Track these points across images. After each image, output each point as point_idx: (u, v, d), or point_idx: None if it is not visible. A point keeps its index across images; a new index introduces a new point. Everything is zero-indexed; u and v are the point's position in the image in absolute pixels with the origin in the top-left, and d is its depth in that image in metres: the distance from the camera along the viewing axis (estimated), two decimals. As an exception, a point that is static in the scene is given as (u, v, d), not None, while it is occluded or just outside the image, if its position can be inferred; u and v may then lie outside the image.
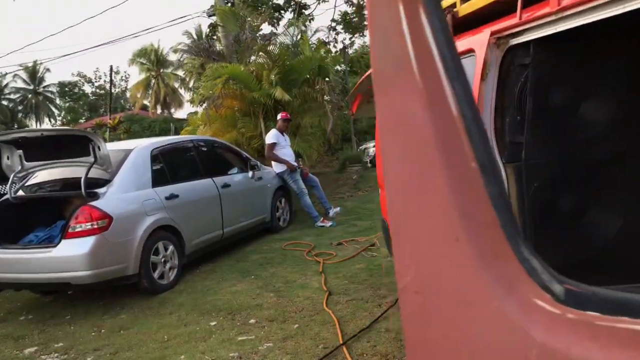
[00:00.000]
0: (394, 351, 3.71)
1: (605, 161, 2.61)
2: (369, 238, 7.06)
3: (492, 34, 2.57)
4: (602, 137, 2.60)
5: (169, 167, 6.32)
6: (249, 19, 12.40)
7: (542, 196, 2.58)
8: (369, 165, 13.20)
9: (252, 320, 4.60)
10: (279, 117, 8.70)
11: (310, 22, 17.90)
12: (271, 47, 11.42)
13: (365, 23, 20.39)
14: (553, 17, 2.23)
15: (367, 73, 4.97)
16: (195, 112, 16.89)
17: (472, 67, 2.68)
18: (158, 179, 5.95)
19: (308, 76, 10.78)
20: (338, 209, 8.92)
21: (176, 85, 39.68)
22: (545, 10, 2.27)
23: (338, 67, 14.08)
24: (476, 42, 2.67)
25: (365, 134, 17.10)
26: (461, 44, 2.89)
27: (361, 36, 21.01)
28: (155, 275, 5.62)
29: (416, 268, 0.68)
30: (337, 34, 20.07)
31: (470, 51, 2.73)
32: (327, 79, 10.85)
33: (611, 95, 2.59)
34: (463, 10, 2.99)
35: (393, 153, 0.73)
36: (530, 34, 2.42)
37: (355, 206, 9.57)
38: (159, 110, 39.04)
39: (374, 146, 14.57)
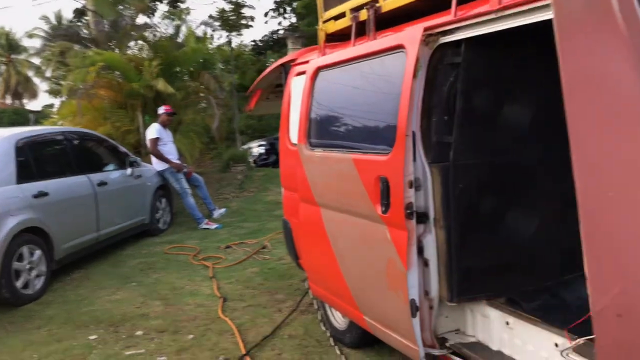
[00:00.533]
0: (301, 358, 3.54)
1: (527, 164, 2.67)
2: (258, 240, 6.82)
3: (425, 30, 2.50)
4: (525, 141, 2.66)
5: (37, 161, 5.57)
6: (121, 7, 11.51)
7: (467, 198, 2.56)
8: (254, 165, 12.95)
9: (138, 332, 4.16)
10: (161, 110, 8.10)
11: (186, 15, 17.20)
12: (151, 36, 10.69)
13: (242, 22, 20.04)
14: (492, 16, 2.21)
15: (270, 67, 4.75)
16: (51, 105, 15.36)
17: (400, 65, 2.60)
18: (24, 174, 5.20)
19: (192, 69, 10.24)
20: (223, 210, 8.56)
21: (30, 73, 35.88)
22: (484, 8, 2.24)
23: (221, 65, 13.63)
24: (407, 37, 2.59)
25: (242, 134, 16.85)
26: (388, 39, 2.81)
27: (238, 34, 20.64)
28: (19, 284, 4.90)
29: (623, 284, 0.51)
30: (214, 30, 19.55)
31: (399, 47, 2.64)
32: (212, 73, 10.39)
33: (536, 100, 2.66)
34: (387, 5, 2.91)
35: (586, 121, 0.56)
36: (464, 32, 2.39)
37: (242, 207, 9.26)
38: (8, 100, 35.07)
39: (258, 146, 14.40)
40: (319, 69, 3.47)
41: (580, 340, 2.12)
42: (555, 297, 2.55)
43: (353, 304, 3.16)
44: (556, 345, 2.28)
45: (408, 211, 2.54)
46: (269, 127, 16.70)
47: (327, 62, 3.39)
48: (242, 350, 3.67)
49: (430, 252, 2.62)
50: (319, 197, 3.36)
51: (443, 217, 2.58)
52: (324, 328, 3.90)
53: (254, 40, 21.93)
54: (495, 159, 2.60)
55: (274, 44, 21.13)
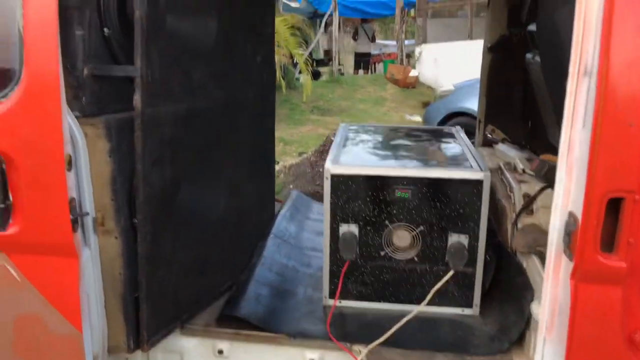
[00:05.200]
0: None
1: (216, 114, 1.77)
2: None
3: None
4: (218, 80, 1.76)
5: None
6: None
7: (159, 172, 1.49)
8: None
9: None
10: None
11: None
12: None
13: None
14: None
15: None
16: None
17: None
18: None
19: None
20: None
21: None
22: None
23: None
24: None
25: None
26: None
27: None
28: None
29: None
30: None
31: None
32: None
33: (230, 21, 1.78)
34: None
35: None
36: None
37: None
38: None
39: None
40: None
41: (370, 347, 1.59)
42: (272, 298, 1.87)
43: None
44: (312, 361, 1.66)
45: (73, 217, 1.27)
46: None
47: None
48: None
49: (90, 281, 1.44)
50: None
51: (115, 216, 1.43)
52: None
53: None
54: (191, 104, 1.61)
55: None
